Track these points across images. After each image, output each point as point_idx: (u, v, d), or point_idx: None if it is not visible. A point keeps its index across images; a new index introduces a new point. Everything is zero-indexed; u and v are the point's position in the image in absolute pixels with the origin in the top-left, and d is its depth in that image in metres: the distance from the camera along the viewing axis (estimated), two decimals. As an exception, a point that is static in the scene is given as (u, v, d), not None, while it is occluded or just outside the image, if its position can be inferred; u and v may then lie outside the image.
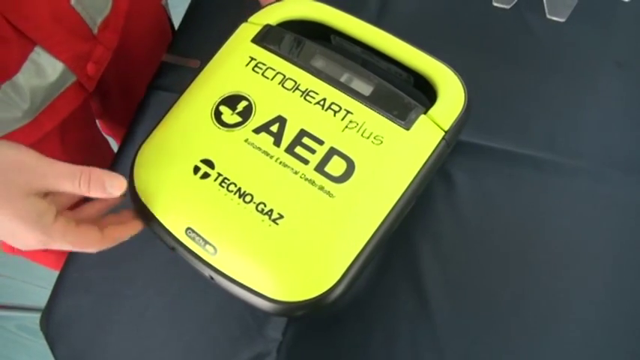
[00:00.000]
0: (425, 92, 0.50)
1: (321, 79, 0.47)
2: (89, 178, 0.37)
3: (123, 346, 0.51)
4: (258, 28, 0.50)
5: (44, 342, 0.53)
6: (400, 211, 0.44)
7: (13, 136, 0.51)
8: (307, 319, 0.50)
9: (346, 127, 0.45)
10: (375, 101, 0.45)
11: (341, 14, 0.52)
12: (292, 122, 0.45)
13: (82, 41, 0.53)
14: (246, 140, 0.45)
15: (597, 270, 0.50)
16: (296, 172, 0.43)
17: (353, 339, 0.49)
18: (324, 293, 0.42)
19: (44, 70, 0.50)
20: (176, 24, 0.69)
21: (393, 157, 0.44)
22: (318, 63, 0.48)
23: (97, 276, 0.54)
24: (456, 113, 0.46)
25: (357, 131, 0.45)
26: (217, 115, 0.46)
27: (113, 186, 0.38)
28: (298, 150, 0.44)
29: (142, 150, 0.47)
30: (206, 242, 0.43)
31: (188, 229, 0.43)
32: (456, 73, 0.48)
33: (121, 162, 0.59)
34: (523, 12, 0.61)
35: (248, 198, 0.43)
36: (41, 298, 0.66)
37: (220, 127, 0.46)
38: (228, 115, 0.46)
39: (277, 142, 0.44)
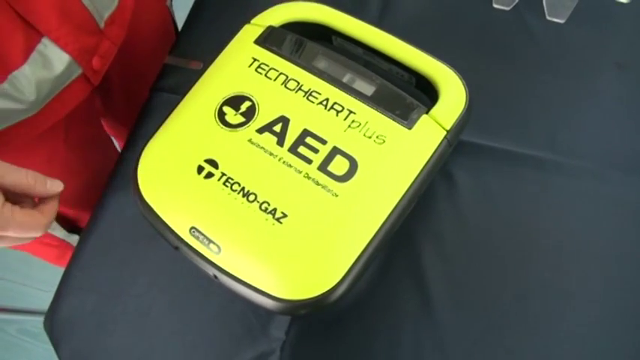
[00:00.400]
0: (426, 93, 0.50)
1: (323, 79, 0.47)
2: (34, 176, 0.42)
3: (127, 346, 0.51)
4: (260, 30, 0.51)
5: (45, 345, 0.53)
6: (403, 209, 0.44)
7: (18, 129, 0.52)
8: (310, 318, 0.51)
9: (349, 126, 0.45)
10: (377, 101, 0.46)
11: (343, 16, 0.52)
12: (295, 122, 0.46)
13: (89, 35, 0.53)
14: (249, 140, 0.45)
15: (599, 269, 0.50)
16: (299, 172, 0.44)
17: (356, 337, 0.49)
18: (327, 291, 0.42)
19: (51, 61, 0.50)
20: (179, 28, 0.69)
21: (396, 156, 0.45)
22: (321, 63, 0.48)
23: (100, 276, 0.54)
24: (458, 113, 0.47)
25: (360, 131, 0.45)
26: (221, 115, 0.47)
27: (54, 184, 0.44)
28: (301, 150, 0.44)
29: (146, 150, 0.48)
30: (210, 241, 0.43)
31: (192, 228, 0.44)
32: (457, 74, 0.49)
33: (125, 162, 0.59)
34: (523, 13, 0.61)
35: (252, 197, 0.43)
36: (42, 302, 0.66)
37: (224, 127, 0.46)
38: (232, 116, 0.47)
39: (280, 142, 0.45)
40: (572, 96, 0.57)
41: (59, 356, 0.52)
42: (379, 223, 0.43)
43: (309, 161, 0.44)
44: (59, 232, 0.71)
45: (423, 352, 0.48)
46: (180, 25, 0.69)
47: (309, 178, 0.44)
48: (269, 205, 0.43)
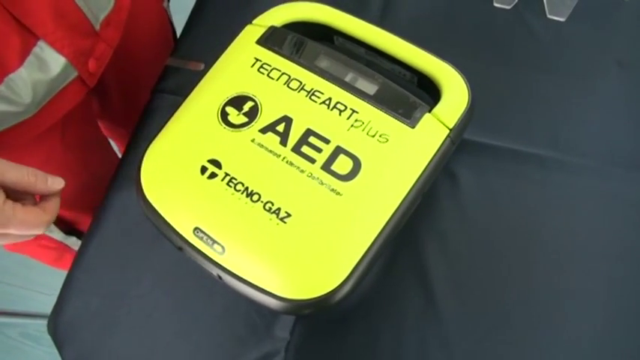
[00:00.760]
0: (428, 92, 0.50)
1: (325, 79, 0.47)
2: (35, 171, 0.43)
3: (131, 347, 0.51)
4: (262, 30, 0.51)
5: (47, 349, 0.53)
6: (407, 208, 0.44)
7: (14, 131, 0.52)
8: (315, 318, 0.51)
9: (352, 125, 0.45)
10: (380, 100, 0.46)
11: (344, 15, 0.52)
12: (298, 122, 0.46)
13: (84, 37, 0.53)
14: (252, 140, 0.45)
15: (602, 266, 0.50)
16: (303, 171, 0.44)
17: (360, 337, 0.49)
18: (332, 291, 0.42)
19: (47, 64, 0.50)
20: (177, 30, 0.69)
21: (399, 155, 0.45)
22: (323, 63, 0.48)
23: (104, 277, 0.54)
24: (460, 111, 0.47)
25: (363, 130, 0.45)
26: (224, 115, 0.47)
27: (55, 181, 0.44)
28: (305, 149, 0.44)
29: (149, 151, 0.48)
30: (214, 242, 0.43)
31: (196, 228, 0.44)
32: (459, 72, 0.49)
33: (128, 163, 0.59)
34: (523, 12, 0.61)
35: (255, 197, 0.43)
36: (43, 305, 0.66)
37: (227, 127, 0.46)
38: (235, 116, 0.47)
39: (284, 142, 0.45)
40: (573, 94, 0.57)
41: (63, 358, 0.52)
42: (383, 222, 0.43)
43: (312, 161, 0.44)
44: (57, 234, 0.71)
45: (428, 350, 0.48)
46: (179, 28, 0.69)
47: (312, 177, 0.44)
48: (273, 204, 0.43)
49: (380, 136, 0.45)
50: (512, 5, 0.62)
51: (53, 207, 0.45)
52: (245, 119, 0.46)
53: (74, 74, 0.54)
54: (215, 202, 0.44)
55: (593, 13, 0.60)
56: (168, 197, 0.46)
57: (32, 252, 0.76)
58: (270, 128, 0.46)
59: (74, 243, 0.72)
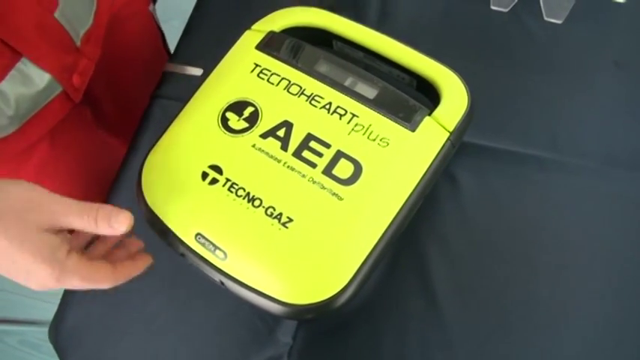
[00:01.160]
0: (427, 95, 0.51)
1: (325, 83, 0.47)
2: (96, 215, 0.38)
3: (134, 354, 0.51)
4: (261, 35, 0.51)
5: (46, 357, 0.53)
6: (408, 211, 0.44)
7: (1, 144, 0.52)
8: (317, 322, 0.51)
9: (352, 130, 0.45)
10: (379, 104, 0.46)
11: (343, 20, 0.52)
12: (299, 126, 0.46)
13: (67, 53, 0.54)
14: (253, 145, 0.45)
15: (605, 267, 0.50)
16: (304, 176, 0.44)
17: (363, 341, 0.49)
18: (334, 295, 0.42)
19: (31, 79, 0.50)
20: (174, 37, 0.69)
21: (400, 158, 0.45)
22: (322, 68, 0.48)
23: (105, 285, 0.54)
24: (460, 114, 0.47)
25: (364, 134, 0.45)
26: (224, 121, 0.47)
27: (118, 221, 0.38)
28: (305, 154, 0.45)
29: (149, 157, 0.48)
30: (216, 247, 0.43)
31: (198, 234, 0.44)
32: (458, 75, 0.49)
33: (129, 169, 0.59)
34: (521, 14, 0.62)
35: (257, 202, 0.43)
36: (43, 312, 0.66)
37: (227, 133, 0.46)
38: (235, 121, 0.47)
39: (284, 147, 0.45)
40: (572, 95, 0.57)
41: (65, 366, 0.52)
42: (385, 226, 0.43)
43: (313, 165, 0.44)
44: None
45: (431, 352, 0.48)
46: (177, 33, 0.69)
47: (314, 182, 0.44)
48: (274, 210, 0.43)
49: (380, 140, 0.45)
50: (509, 8, 0.62)
51: (128, 273, 0.41)
52: (245, 124, 0.46)
53: (59, 89, 0.54)
54: (216, 207, 0.44)
55: (590, 15, 0.61)
56: (169, 203, 0.46)
57: None
58: (270, 133, 0.46)
59: None
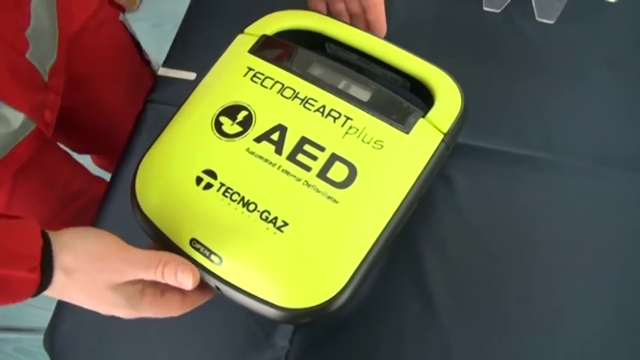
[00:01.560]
0: (421, 97, 0.51)
1: (319, 86, 0.47)
2: (163, 270, 0.40)
3: (130, 361, 0.51)
4: (254, 39, 0.51)
5: (41, 364, 0.53)
6: (403, 214, 0.44)
7: None
8: (314, 326, 0.50)
9: (346, 133, 0.45)
10: (373, 106, 0.46)
11: (336, 23, 0.52)
12: (293, 130, 0.45)
13: (38, 91, 0.55)
14: (247, 149, 0.45)
15: (599, 266, 0.50)
16: (299, 179, 0.44)
17: (360, 344, 0.49)
18: (330, 299, 0.42)
19: (8, 119, 0.51)
20: (167, 41, 0.69)
21: (394, 160, 0.45)
22: (316, 71, 0.48)
23: (100, 291, 0.54)
24: (454, 115, 0.47)
25: (358, 137, 0.45)
26: (218, 125, 0.47)
27: (184, 277, 0.40)
28: (300, 157, 0.44)
29: (143, 163, 0.48)
30: (211, 252, 0.43)
31: (192, 240, 0.44)
32: (451, 77, 0.49)
33: (122, 175, 0.58)
34: (513, 15, 0.62)
35: (252, 207, 0.43)
36: (38, 319, 0.65)
37: (221, 137, 0.46)
38: (229, 126, 0.46)
39: (279, 150, 0.45)
40: (564, 95, 0.58)
41: (61, 374, 0.51)
42: (380, 229, 0.43)
43: (308, 169, 0.44)
44: None
45: (428, 354, 0.48)
46: (169, 38, 0.68)
47: (308, 185, 0.43)
48: (269, 214, 0.43)
49: (375, 142, 0.45)
50: (501, 9, 0.62)
51: (195, 301, 0.44)
52: (239, 129, 0.46)
53: (32, 126, 0.55)
54: (211, 212, 0.44)
55: (581, 15, 0.61)
56: (163, 209, 0.45)
57: None
58: (264, 137, 0.46)
59: None
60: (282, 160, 0.44)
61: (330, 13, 0.55)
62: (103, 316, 0.52)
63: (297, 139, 0.45)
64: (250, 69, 0.49)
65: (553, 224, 0.52)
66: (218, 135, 0.46)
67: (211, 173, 0.45)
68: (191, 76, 0.62)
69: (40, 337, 0.54)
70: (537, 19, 0.61)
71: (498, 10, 0.62)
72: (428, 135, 0.46)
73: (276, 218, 0.43)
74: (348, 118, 0.46)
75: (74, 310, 0.53)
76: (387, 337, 0.49)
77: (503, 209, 0.53)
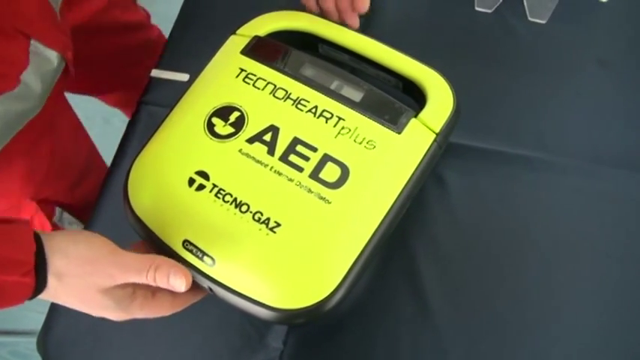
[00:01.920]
0: (413, 97, 0.51)
1: (311, 87, 0.47)
2: (154, 274, 0.40)
3: (123, 363, 0.51)
4: (246, 40, 0.51)
5: (37, 367, 0.52)
6: (396, 214, 0.44)
7: (25, 135, 0.53)
8: (308, 327, 0.50)
9: (339, 133, 0.45)
10: (366, 107, 0.46)
11: (328, 23, 0.52)
12: (285, 131, 0.46)
13: (58, 30, 0.56)
14: (239, 150, 0.45)
15: (593, 264, 0.51)
16: (291, 180, 0.44)
17: (354, 345, 0.49)
18: (323, 299, 0.42)
19: (47, 58, 0.53)
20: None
21: (387, 161, 0.45)
22: (308, 72, 0.48)
23: (94, 293, 0.53)
24: (446, 115, 0.47)
25: (350, 137, 0.45)
26: (210, 126, 0.47)
27: (176, 281, 0.40)
28: (292, 158, 0.44)
29: (135, 164, 0.48)
30: (204, 254, 0.43)
31: (185, 241, 0.44)
32: (443, 77, 0.49)
33: (115, 176, 0.58)
34: (505, 15, 0.62)
35: (244, 208, 0.43)
36: (34, 322, 0.65)
37: (213, 138, 0.46)
38: (221, 127, 0.46)
39: (271, 151, 0.45)
40: (557, 94, 0.58)
41: (54, 377, 0.51)
42: (373, 229, 0.43)
43: (300, 169, 0.44)
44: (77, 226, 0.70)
45: (422, 354, 0.48)
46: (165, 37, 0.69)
47: (301, 186, 0.43)
48: (262, 215, 0.43)
49: (367, 142, 0.45)
50: (493, 9, 0.62)
51: (186, 301, 0.44)
52: (232, 130, 0.46)
53: (63, 64, 0.56)
54: (204, 214, 0.44)
55: (573, 15, 0.61)
56: (156, 210, 0.45)
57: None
58: (257, 138, 0.46)
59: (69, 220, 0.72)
60: (274, 160, 0.44)
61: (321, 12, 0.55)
62: (96, 318, 0.52)
63: (290, 139, 0.45)
64: (242, 70, 0.49)
65: (547, 223, 0.52)
66: (210, 136, 0.46)
67: (204, 174, 0.45)
68: (184, 77, 0.62)
69: (35, 339, 0.54)
70: (529, 18, 0.61)
71: (490, 11, 0.62)
72: (420, 135, 0.46)
73: (268, 219, 0.43)
74: (340, 119, 0.46)
75: (67, 313, 0.53)
76: (382, 337, 0.49)
77: (497, 209, 0.53)
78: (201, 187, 0.44)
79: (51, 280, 0.39)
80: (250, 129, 0.46)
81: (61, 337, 0.53)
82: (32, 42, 0.51)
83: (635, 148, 0.54)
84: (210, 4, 0.67)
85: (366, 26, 0.63)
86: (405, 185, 0.45)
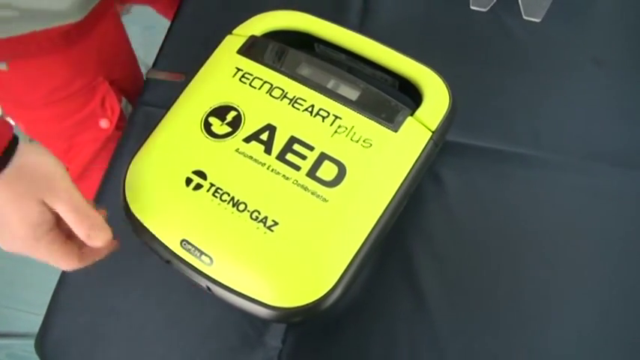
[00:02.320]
0: (410, 95, 0.51)
1: (308, 86, 0.47)
2: (84, 219, 0.40)
3: (122, 363, 0.51)
4: (242, 40, 0.51)
5: (34, 369, 0.52)
6: (393, 212, 0.45)
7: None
8: (306, 325, 0.50)
9: (335, 132, 0.45)
10: (362, 105, 0.46)
11: (325, 23, 0.53)
12: (282, 130, 0.46)
13: None
14: (237, 150, 0.45)
15: (589, 261, 0.51)
16: (288, 179, 0.44)
17: (352, 343, 0.49)
18: (321, 297, 0.42)
19: None
20: (155, 43, 0.69)
21: (383, 159, 0.45)
22: (304, 71, 0.48)
23: (91, 293, 0.53)
24: (442, 113, 0.47)
25: (347, 135, 0.45)
26: (207, 126, 0.47)
27: (95, 235, 0.40)
28: (289, 157, 0.45)
29: (132, 164, 0.48)
30: (202, 253, 0.43)
31: (183, 240, 0.44)
32: (439, 75, 0.49)
33: (112, 177, 0.58)
34: (500, 14, 0.62)
35: (242, 207, 0.43)
36: (30, 324, 0.65)
37: (210, 138, 0.46)
38: (218, 126, 0.47)
39: (268, 150, 0.45)
40: (552, 92, 0.58)
41: (52, 378, 0.51)
42: (370, 227, 0.43)
43: (297, 168, 0.44)
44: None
45: (420, 352, 0.49)
46: (158, 39, 0.68)
47: (298, 184, 0.44)
48: (259, 213, 0.43)
49: (363, 141, 0.45)
50: (488, 7, 0.63)
51: (93, 256, 0.43)
52: (228, 129, 0.46)
53: None
54: (201, 213, 0.44)
55: (568, 13, 0.61)
56: (153, 210, 0.45)
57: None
58: (254, 137, 0.46)
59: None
60: (271, 159, 0.45)
61: None
62: (94, 319, 0.53)
63: (287, 138, 0.45)
64: (239, 69, 0.49)
65: (543, 220, 0.53)
66: (207, 136, 0.46)
67: (201, 174, 0.45)
68: (180, 77, 0.62)
69: (32, 342, 0.54)
70: (524, 17, 0.62)
71: (485, 9, 0.63)
72: (416, 133, 0.46)
73: (266, 218, 0.43)
74: (336, 117, 0.46)
75: (65, 314, 0.53)
76: (379, 334, 0.49)
77: (493, 206, 0.53)
78: (198, 187, 0.44)
79: (9, 169, 0.38)
80: (247, 128, 0.46)
81: (59, 338, 0.53)
82: None
83: (630, 145, 0.55)
84: (207, 4, 0.67)
85: (362, 25, 0.63)
86: (402, 183, 0.45)
